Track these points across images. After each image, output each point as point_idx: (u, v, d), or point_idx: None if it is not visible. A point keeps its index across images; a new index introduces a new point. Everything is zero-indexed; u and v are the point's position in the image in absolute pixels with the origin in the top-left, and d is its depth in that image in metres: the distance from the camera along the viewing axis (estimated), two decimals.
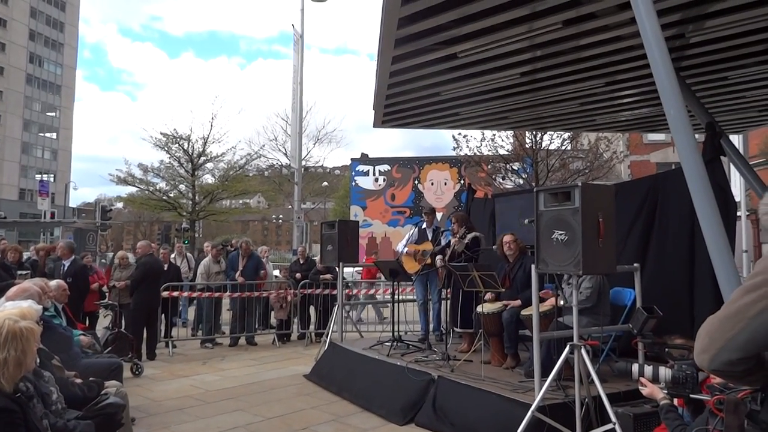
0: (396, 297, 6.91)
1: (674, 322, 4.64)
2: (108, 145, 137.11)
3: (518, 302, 5.51)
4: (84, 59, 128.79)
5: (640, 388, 2.88)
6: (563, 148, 19.30)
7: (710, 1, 4.39)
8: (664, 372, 2.66)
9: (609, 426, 3.61)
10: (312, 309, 10.01)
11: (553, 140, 18.81)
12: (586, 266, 3.77)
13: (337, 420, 5.27)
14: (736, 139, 11.58)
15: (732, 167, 7.14)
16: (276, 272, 11.83)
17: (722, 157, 5.42)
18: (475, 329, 5.96)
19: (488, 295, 5.75)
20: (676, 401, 2.79)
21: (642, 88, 6.34)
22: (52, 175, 58.57)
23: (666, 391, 2.71)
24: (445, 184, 20.94)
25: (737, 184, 15.81)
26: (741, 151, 9.37)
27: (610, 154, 20.10)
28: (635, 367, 2.81)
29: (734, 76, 6.15)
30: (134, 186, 29.18)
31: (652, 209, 5.82)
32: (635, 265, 4.87)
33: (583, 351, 3.88)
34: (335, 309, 7.92)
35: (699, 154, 3.58)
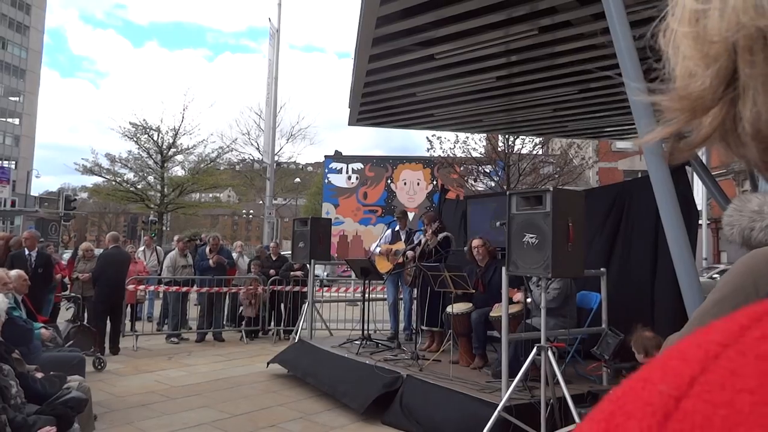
0: (366, 295, 6.92)
1: (636, 324, 4.77)
2: (69, 134, 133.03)
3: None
4: (44, 44, 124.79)
5: None
6: (535, 152, 19.61)
7: None
8: None
9: (573, 426, 3.70)
10: (282, 306, 9.93)
11: (525, 144, 19.09)
12: (555, 270, 3.85)
13: (305, 418, 5.25)
14: (699, 151, 11.96)
15: (695, 177, 7.37)
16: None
17: (686, 167, 5.59)
18: (445, 329, 6.00)
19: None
20: None
21: (613, 96, 6.49)
22: (14, 162, 56.59)
23: None
24: (418, 184, 20.99)
25: (699, 194, 16.33)
26: (704, 161, 9.63)
27: (579, 160, 20.51)
28: None
29: None
30: (101, 176, 28.47)
31: (619, 216, 5.96)
32: (602, 269, 4.99)
33: (549, 353, 3.96)
34: (305, 306, 7.87)
35: (666, 164, 3.69)
